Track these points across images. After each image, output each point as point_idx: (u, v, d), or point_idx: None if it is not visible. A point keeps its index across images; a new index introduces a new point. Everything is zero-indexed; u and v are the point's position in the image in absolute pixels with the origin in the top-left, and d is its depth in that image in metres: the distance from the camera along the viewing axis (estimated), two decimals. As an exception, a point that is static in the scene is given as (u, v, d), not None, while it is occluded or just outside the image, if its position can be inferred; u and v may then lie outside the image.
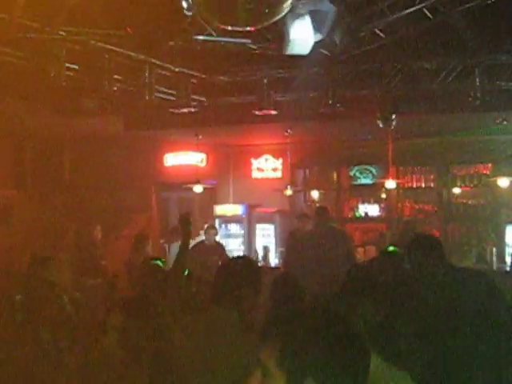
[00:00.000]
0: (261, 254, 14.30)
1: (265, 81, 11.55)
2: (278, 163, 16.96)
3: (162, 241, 15.38)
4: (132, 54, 10.14)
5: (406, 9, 8.83)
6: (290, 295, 5.51)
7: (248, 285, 4.29)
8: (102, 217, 14.68)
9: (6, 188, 15.11)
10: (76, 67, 10.00)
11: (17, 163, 15.52)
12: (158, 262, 6.91)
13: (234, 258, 4.98)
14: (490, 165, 14.65)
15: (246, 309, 4.26)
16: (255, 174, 17.17)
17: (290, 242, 12.66)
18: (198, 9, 6.60)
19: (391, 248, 7.02)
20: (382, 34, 9.59)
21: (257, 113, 11.80)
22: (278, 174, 16.94)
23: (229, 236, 16.03)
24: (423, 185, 15.39)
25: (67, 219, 14.26)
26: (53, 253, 11.42)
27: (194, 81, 11.66)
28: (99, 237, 12.99)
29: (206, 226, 13.66)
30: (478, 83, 10.63)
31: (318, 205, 15.98)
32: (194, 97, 11.89)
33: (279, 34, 8.67)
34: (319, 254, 10.86)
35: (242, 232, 16.20)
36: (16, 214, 15.18)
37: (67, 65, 9.57)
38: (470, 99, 10.76)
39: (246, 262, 4.55)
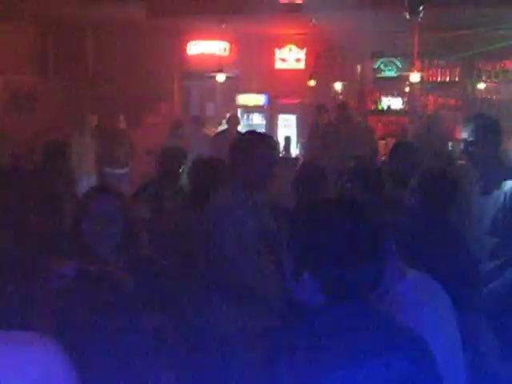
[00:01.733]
0: (282, 144, 14.32)
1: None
2: (302, 54, 16.79)
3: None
4: None
5: None
6: (313, 184, 5.55)
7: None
8: (125, 104, 14.71)
9: (29, 74, 15.12)
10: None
11: (40, 49, 15.46)
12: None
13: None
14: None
15: None
16: (278, 65, 17.04)
17: (312, 133, 12.70)
18: None
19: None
20: None
21: (282, 1, 11.64)
22: (302, 65, 16.80)
23: (251, 126, 16.01)
24: (448, 79, 15.22)
25: (90, 106, 14.28)
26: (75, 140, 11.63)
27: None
28: (123, 126, 13.06)
29: (228, 115, 13.67)
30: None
31: (340, 96, 15.97)
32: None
33: None
34: (341, 148, 10.90)
35: (264, 122, 16.20)
36: (39, 100, 15.24)
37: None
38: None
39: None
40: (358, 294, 2.24)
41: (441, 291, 3.01)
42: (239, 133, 13.12)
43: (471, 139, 5.00)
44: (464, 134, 5.09)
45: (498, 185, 4.91)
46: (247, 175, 4.51)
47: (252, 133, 4.94)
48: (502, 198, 4.84)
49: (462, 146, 5.11)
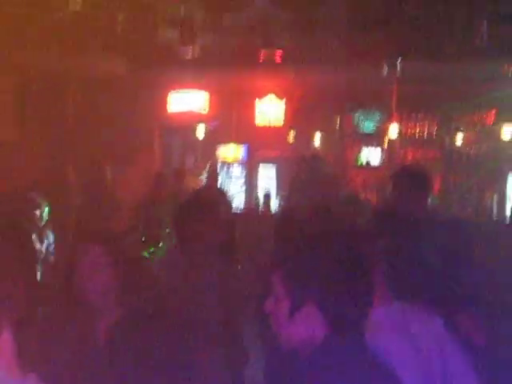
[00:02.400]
0: (262, 197, 14.32)
1: (270, 22, 11.47)
2: (282, 106, 16.86)
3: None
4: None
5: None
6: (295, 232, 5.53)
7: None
8: (105, 157, 14.68)
9: (8, 126, 15.08)
10: (81, 6, 9.93)
11: (19, 102, 15.45)
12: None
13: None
14: (493, 113, 14.59)
15: None
16: (258, 117, 17.10)
17: (292, 185, 12.72)
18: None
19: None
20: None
21: (262, 54, 11.74)
22: (281, 117, 16.87)
23: (230, 178, 16.05)
24: (426, 132, 15.35)
25: (70, 159, 14.24)
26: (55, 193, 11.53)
27: (199, 20, 11.57)
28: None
29: (208, 167, 13.66)
30: (484, 30, 10.54)
31: (318, 149, 16.03)
32: (199, 37, 11.81)
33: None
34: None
35: (244, 174, 16.20)
36: (17, 154, 15.17)
37: (72, 4, 9.49)
38: (476, 46, 10.69)
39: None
40: (356, 325, 2.26)
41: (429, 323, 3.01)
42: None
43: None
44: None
45: None
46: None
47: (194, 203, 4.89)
48: None
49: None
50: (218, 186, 13.20)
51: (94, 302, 3.54)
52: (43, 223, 6.87)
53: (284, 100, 16.73)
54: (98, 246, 3.69)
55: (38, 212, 6.79)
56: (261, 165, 16.08)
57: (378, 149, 15.77)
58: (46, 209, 7.11)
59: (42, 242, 6.79)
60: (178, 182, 12.98)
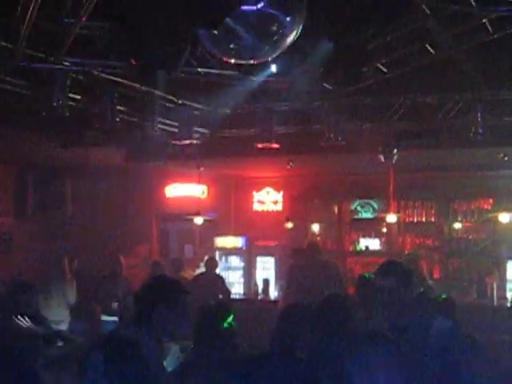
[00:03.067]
0: (261, 286, 14.22)
1: (267, 114, 11.59)
2: (279, 196, 16.97)
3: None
4: (135, 85, 10.17)
5: (410, 45, 8.88)
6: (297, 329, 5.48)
7: None
8: (103, 247, 14.63)
9: (6, 216, 15.08)
10: (79, 97, 10.04)
11: (18, 192, 15.49)
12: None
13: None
14: (491, 200, 14.69)
15: None
16: (256, 207, 17.18)
17: (289, 276, 12.65)
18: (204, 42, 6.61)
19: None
20: (384, 69, 9.61)
21: (258, 146, 11.82)
22: (279, 207, 16.95)
23: (229, 268, 15.98)
24: (424, 219, 15.39)
25: (68, 249, 14.19)
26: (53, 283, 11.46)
27: (197, 113, 11.70)
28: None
29: (206, 257, 13.63)
30: (479, 119, 10.65)
31: (318, 238, 16.03)
32: (197, 129, 11.93)
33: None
34: (313, 287, 10.86)
35: (242, 264, 16.16)
36: (16, 243, 15.13)
37: (70, 95, 9.61)
38: (472, 134, 10.78)
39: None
40: None
41: None
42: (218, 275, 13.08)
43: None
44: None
45: None
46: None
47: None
48: None
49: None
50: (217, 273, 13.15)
51: None
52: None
53: (281, 192, 16.84)
54: None
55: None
56: (259, 254, 16.04)
57: (377, 237, 15.77)
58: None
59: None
60: (176, 272, 12.93)
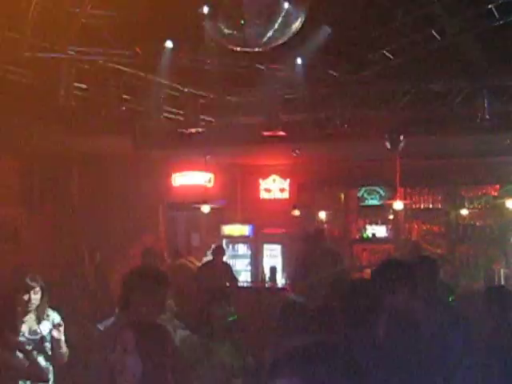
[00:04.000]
0: (268, 274, 14.25)
1: (273, 101, 11.57)
2: (286, 184, 16.97)
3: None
4: (141, 73, 10.16)
5: (416, 31, 8.84)
6: (298, 324, 5.51)
7: None
8: (110, 236, 14.68)
9: (13, 207, 15.11)
10: (85, 86, 10.04)
11: (24, 182, 15.52)
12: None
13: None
14: (497, 186, 14.65)
15: None
16: (263, 195, 17.19)
17: (297, 263, 12.66)
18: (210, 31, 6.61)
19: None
20: (390, 56, 9.59)
21: (265, 133, 11.80)
22: (286, 195, 16.96)
23: (236, 256, 16.01)
24: (431, 206, 15.38)
25: (74, 239, 14.23)
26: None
27: (203, 101, 11.68)
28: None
29: (213, 246, 13.65)
30: (486, 105, 10.61)
31: (325, 225, 16.03)
32: (203, 117, 11.91)
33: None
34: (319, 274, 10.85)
35: (249, 252, 16.18)
36: (23, 233, 15.18)
37: (76, 84, 9.61)
38: (479, 121, 10.74)
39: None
40: None
41: None
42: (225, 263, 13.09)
43: None
44: None
45: None
46: None
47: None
48: None
49: None
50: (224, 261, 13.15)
51: None
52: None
53: (288, 180, 16.84)
54: None
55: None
56: (266, 242, 16.06)
57: (384, 224, 15.77)
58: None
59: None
60: (173, 260, 13.04)
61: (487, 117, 10.62)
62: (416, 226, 15.42)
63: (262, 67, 9.99)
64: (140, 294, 4.81)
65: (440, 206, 15.33)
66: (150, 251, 11.89)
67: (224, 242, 15.72)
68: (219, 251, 13.01)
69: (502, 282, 12.96)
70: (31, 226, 15.04)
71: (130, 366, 4.48)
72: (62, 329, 6.21)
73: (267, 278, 14.15)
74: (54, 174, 15.43)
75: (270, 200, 17.08)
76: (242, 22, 6.12)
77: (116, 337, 4.63)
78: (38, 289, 6.31)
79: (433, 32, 8.88)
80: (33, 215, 15.31)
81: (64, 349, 6.27)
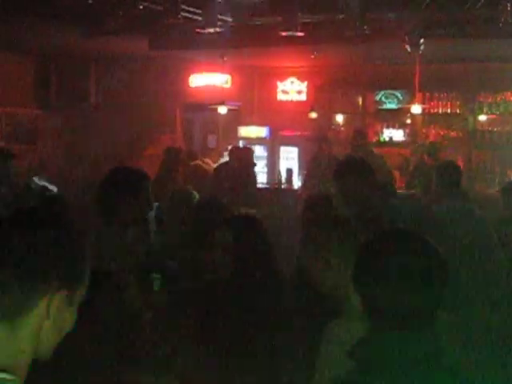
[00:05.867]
0: (284, 176, 14.32)
1: (291, 2, 11.38)
2: (303, 86, 16.87)
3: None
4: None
5: None
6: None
7: None
8: (127, 136, 14.74)
9: (30, 107, 15.16)
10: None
11: (41, 82, 15.51)
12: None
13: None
14: (516, 92, 14.52)
15: None
16: (280, 97, 17.13)
17: (310, 166, 12.71)
18: None
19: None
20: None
21: (283, 34, 11.66)
22: (303, 97, 16.88)
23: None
24: (449, 111, 15.28)
25: (92, 140, 14.30)
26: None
27: (220, 0, 11.51)
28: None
29: (229, 147, 13.66)
30: (509, 8, 10.40)
31: (342, 128, 16.03)
32: (220, 17, 11.76)
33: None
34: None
35: (266, 154, 16.22)
36: (40, 133, 15.26)
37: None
38: (500, 25, 10.56)
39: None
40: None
41: None
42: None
43: None
44: None
45: None
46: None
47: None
48: None
49: None
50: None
51: None
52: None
53: (305, 82, 16.74)
54: None
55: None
56: (283, 144, 16.09)
57: (401, 128, 15.74)
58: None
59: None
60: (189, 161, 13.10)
61: (509, 20, 10.43)
62: (433, 131, 15.36)
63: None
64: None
65: (458, 111, 15.23)
66: (171, 150, 11.97)
67: (241, 143, 15.74)
68: (236, 154, 12.87)
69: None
70: (48, 127, 15.11)
71: None
72: None
73: (284, 180, 14.23)
74: (70, 74, 15.39)
75: (287, 102, 17.02)
76: None
77: None
78: None
79: None
80: (50, 116, 15.36)
81: None
